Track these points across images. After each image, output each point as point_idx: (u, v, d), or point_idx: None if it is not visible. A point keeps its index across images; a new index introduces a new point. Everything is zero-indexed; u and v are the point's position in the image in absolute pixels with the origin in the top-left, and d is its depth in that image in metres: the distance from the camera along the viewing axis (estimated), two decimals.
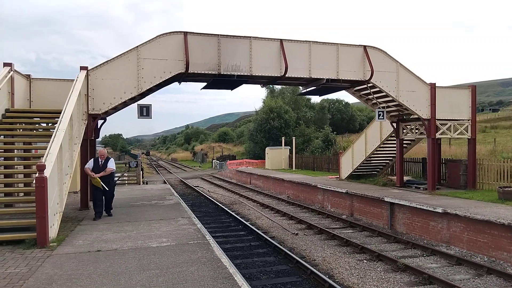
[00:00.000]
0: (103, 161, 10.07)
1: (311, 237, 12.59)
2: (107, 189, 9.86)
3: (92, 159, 10.33)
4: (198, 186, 29.10)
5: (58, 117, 9.27)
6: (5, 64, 10.86)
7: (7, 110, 10.72)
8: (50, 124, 11.04)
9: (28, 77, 12.03)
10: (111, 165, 10.09)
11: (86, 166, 10.12)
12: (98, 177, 9.68)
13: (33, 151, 10.69)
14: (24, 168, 10.29)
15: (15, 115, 10.88)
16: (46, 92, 12.11)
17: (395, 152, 18.45)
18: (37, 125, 11.39)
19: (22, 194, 9.53)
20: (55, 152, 7.94)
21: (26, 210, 8.09)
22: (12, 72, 10.83)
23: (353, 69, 13.87)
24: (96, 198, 10.03)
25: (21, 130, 10.84)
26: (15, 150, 10.60)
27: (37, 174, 7.01)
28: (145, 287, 5.06)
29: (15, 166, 10.37)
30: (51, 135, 8.62)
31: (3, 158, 10.50)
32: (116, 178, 10.42)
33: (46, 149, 8.21)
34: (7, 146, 10.36)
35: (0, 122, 10.29)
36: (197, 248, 6.92)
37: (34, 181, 7.09)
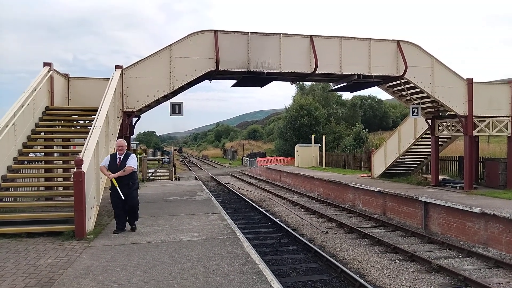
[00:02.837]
0: (121, 157, 7.79)
1: (342, 236, 12.45)
2: (122, 196, 7.60)
3: (109, 155, 8.19)
4: (228, 183, 29.38)
5: (95, 115, 9.60)
6: (45, 64, 11.37)
7: (47, 108, 11.25)
8: (87, 121, 11.49)
9: (66, 76, 12.55)
10: (132, 162, 7.74)
11: (101, 164, 8.06)
12: (114, 178, 7.62)
13: (71, 147, 11.16)
14: (63, 163, 10.74)
15: (55, 112, 11.40)
16: (83, 91, 12.60)
17: (430, 150, 17.90)
18: (75, 122, 11.87)
19: (61, 188, 9.95)
20: (92, 148, 8.25)
21: (65, 203, 8.46)
22: (51, 71, 11.33)
23: (386, 64, 13.56)
24: (114, 205, 7.85)
25: (60, 127, 11.34)
26: (55, 146, 11.11)
27: (75, 169, 7.29)
28: (177, 279, 5.18)
29: (55, 161, 10.84)
30: (88, 132, 8.97)
31: (43, 154, 11.03)
32: (136, 180, 8.08)
33: (83, 145, 8.55)
34: (47, 142, 10.87)
35: (40, 119, 10.81)
36: (227, 243, 7.00)
37: (72, 176, 7.39)
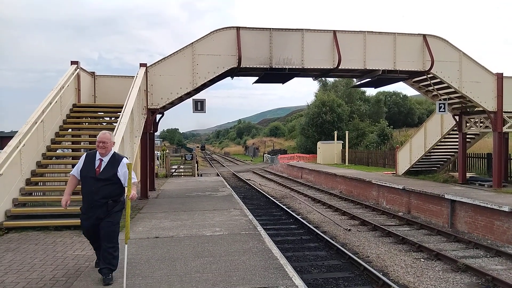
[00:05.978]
0: (104, 159, 4.86)
1: (365, 234, 12.28)
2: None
3: (84, 155, 5.08)
4: (249, 180, 29.45)
5: (120, 112, 9.81)
6: (72, 62, 11.69)
7: (74, 105, 11.57)
8: (113, 118, 11.76)
9: (92, 74, 12.86)
10: (128, 174, 4.61)
11: (72, 172, 5.07)
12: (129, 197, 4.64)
13: None
14: None
15: (81, 109, 11.72)
16: (109, 88, 12.90)
17: (457, 147, 17.42)
18: (101, 119, 12.16)
19: None
20: (118, 144, 8.39)
21: None
22: (78, 69, 11.64)
23: (412, 59, 13.26)
24: (85, 233, 5.13)
25: (87, 123, 11.64)
26: (82, 142, 11.42)
27: None
28: (199, 273, 5.24)
29: None
30: (114, 128, 9.17)
31: (71, 150, 11.35)
32: (122, 199, 5.08)
33: None
34: (74, 138, 11.19)
35: (68, 116, 11.13)
36: (249, 238, 7.03)
37: None
